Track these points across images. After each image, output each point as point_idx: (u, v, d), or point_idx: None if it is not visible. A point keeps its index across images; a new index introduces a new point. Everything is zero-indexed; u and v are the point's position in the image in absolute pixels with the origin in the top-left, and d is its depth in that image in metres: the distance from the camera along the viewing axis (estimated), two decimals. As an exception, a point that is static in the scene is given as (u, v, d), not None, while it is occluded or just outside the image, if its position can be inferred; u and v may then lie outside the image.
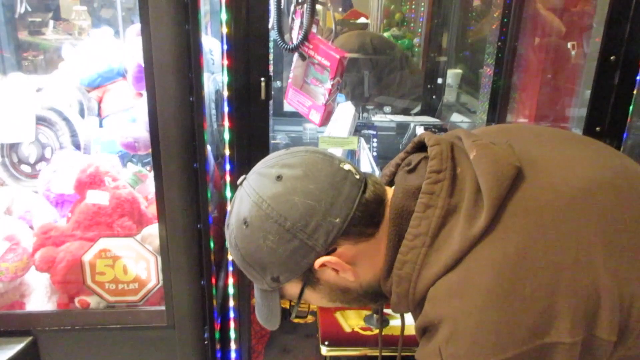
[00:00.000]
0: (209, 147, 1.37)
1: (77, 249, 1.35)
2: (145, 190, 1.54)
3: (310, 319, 1.55)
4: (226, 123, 1.24)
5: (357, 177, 0.80)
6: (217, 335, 1.41)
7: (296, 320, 1.52)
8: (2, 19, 1.96)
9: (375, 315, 1.48)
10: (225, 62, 1.19)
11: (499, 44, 2.03)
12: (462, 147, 0.80)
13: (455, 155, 0.79)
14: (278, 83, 2.61)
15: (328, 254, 0.78)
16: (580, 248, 0.68)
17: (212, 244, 1.32)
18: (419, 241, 0.74)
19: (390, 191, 0.83)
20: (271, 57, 2.42)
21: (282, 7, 1.33)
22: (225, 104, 1.23)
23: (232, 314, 1.41)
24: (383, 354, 1.10)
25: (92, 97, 1.67)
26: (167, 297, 1.31)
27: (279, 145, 2.41)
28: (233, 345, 1.44)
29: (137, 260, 1.36)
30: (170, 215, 1.23)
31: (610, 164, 0.80)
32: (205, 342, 1.37)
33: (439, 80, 2.88)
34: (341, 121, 1.97)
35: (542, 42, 1.94)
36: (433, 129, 2.24)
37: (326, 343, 1.40)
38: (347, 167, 0.80)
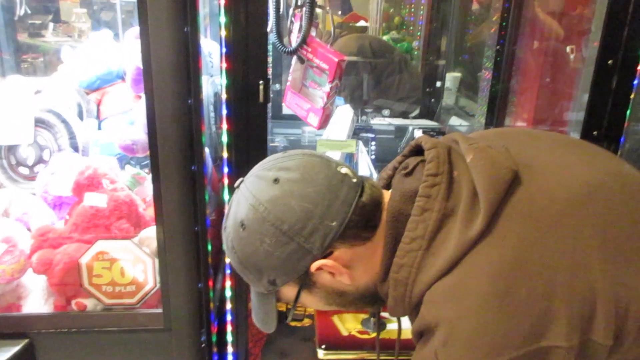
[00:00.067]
0: (207, 150, 1.37)
1: (74, 251, 1.34)
2: (143, 192, 1.54)
3: (307, 322, 1.55)
4: (224, 126, 1.24)
5: (354, 180, 0.80)
6: (214, 338, 1.41)
7: (293, 324, 1.52)
8: (1, 20, 1.96)
9: (372, 319, 1.48)
10: (224, 64, 1.19)
11: (498, 47, 2.04)
12: (459, 150, 0.80)
13: (452, 159, 0.79)
14: (277, 86, 2.62)
15: (324, 257, 0.78)
16: (577, 252, 0.68)
17: (209, 247, 1.32)
18: (416, 244, 0.74)
19: (387, 194, 0.83)
20: (270, 60, 2.44)
21: (281, 10, 1.34)
22: (224, 106, 1.23)
23: (229, 317, 1.41)
24: (380, 357, 1.11)
25: (91, 100, 1.67)
26: (165, 299, 1.31)
27: (277, 148, 2.41)
28: (230, 349, 1.44)
29: (134, 263, 1.35)
30: (168, 218, 1.23)
31: (607, 169, 0.80)
32: (202, 345, 1.37)
33: (438, 84, 2.89)
34: (340, 124, 1.97)
35: (541, 46, 1.94)
36: (432, 133, 2.24)
37: (323, 346, 1.40)
38: (344, 170, 0.80)
